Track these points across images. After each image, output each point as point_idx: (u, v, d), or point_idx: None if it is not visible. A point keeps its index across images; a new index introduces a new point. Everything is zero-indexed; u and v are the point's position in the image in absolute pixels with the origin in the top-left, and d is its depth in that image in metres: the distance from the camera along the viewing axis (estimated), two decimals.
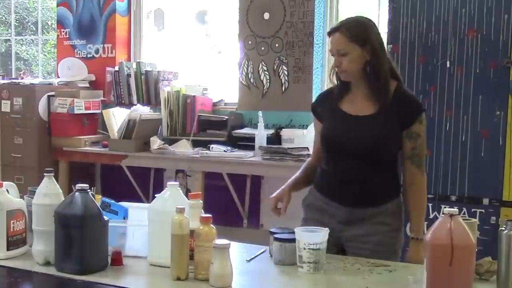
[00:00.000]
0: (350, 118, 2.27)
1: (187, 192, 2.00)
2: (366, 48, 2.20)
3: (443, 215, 1.59)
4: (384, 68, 2.23)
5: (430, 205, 3.43)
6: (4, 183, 2.02)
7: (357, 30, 2.21)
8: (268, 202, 2.40)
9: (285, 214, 2.34)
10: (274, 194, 2.38)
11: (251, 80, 4.72)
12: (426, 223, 3.37)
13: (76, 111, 4.85)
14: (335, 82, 2.34)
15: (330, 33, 2.26)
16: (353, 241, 2.25)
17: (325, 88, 3.93)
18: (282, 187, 2.40)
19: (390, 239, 2.26)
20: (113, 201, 2.12)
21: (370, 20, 2.30)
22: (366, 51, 2.21)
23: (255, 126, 4.47)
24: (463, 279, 1.57)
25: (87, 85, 5.28)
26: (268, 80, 4.66)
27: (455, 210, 1.59)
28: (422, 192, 2.30)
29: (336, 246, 2.24)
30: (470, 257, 1.58)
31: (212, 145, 4.42)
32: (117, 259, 1.91)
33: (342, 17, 4.67)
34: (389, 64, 2.28)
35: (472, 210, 3.31)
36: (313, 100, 2.57)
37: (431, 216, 3.41)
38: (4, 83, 5.23)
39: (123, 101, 5.09)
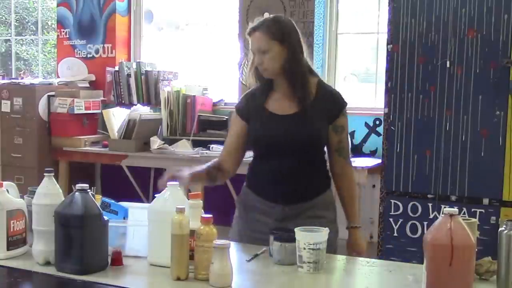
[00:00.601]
0: (278, 117, 2.31)
1: (187, 192, 2.00)
2: (285, 45, 2.26)
3: (443, 215, 1.59)
4: (302, 64, 2.29)
5: (430, 205, 3.43)
6: (4, 183, 2.02)
7: (276, 28, 2.27)
8: None
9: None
10: (172, 173, 2.26)
11: None
12: (426, 223, 3.42)
13: (76, 111, 4.85)
14: (253, 82, 2.38)
15: (250, 33, 2.30)
16: None
17: None
18: (187, 172, 2.30)
19: None
20: (113, 201, 2.12)
21: (288, 18, 2.39)
22: (285, 48, 2.26)
23: None
24: (463, 279, 1.57)
25: (87, 85, 5.28)
26: None
27: (455, 210, 1.59)
28: (352, 182, 2.40)
29: None
30: (470, 257, 1.58)
31: (212, 145, 4.42)
32: (117, 259, 1.91)
33: (342, 17, 4.68)
34: (307, 62, 2.33)
35: (472, 210, 3.31)
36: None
37: (431, 216, 3.41)
38: (4, 83, 5.23)
39: (123, 101, 5.09)
